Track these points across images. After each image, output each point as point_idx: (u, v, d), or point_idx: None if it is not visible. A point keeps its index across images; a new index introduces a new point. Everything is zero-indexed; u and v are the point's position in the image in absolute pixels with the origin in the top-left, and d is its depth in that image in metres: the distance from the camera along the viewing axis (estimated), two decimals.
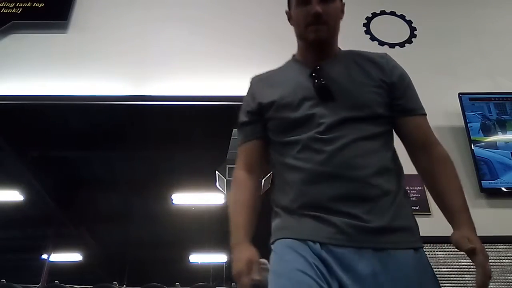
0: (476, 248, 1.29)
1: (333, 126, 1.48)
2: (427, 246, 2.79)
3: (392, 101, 1.58)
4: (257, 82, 1.75)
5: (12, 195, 8.01)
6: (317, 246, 1.36)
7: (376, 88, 1.56)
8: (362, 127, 1.49)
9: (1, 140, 5.72)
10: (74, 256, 11.60)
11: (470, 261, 1.31)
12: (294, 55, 1.76)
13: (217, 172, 5.88)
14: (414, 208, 2.82)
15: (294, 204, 1.46)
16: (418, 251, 1.40)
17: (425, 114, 1.60)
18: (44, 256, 10.53)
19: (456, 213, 1.43)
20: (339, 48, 1.72)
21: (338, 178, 1.41)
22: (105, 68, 3.56)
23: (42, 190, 7.90)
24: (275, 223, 1.54)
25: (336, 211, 1.38)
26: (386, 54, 1.70)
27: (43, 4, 3.75)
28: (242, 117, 1.71)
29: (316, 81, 1.57)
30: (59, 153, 6.96)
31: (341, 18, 1.68)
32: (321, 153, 1.44)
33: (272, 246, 1.49)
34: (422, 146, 1.55)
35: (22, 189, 7.85)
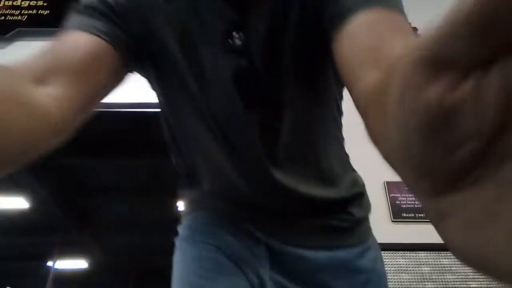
0: None
1: (284, 153, 1.02)
2: (433, 253, 2.79)
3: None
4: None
5: (17, 202, 8.03)
6: (259, 234, 1.09)
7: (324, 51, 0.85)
8: (315, 135, 1.07)
9: None
10: (79, 264, 11.61)
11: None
12: None
13: None
14: (420, 215, 2.82)
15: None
16: None
17: (395, 8, 0.72)
18: (49, 264, 10.55)
19: None
20: None
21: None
22: None
23: (48, 197, 7.93)
24: (194, 193, 1.18)
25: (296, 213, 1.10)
26: None
27: (48, 12, 3.77)
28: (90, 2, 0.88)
29: (240, 75, 0.93)
30: (65, 160, 6.97)
31: None
32: (273, 186, 1.04)
33: (182, 222, 1.18)
34: (370, 59, 0.62)
35: (28, 196, 7.87)
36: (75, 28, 0.83)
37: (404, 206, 2.89)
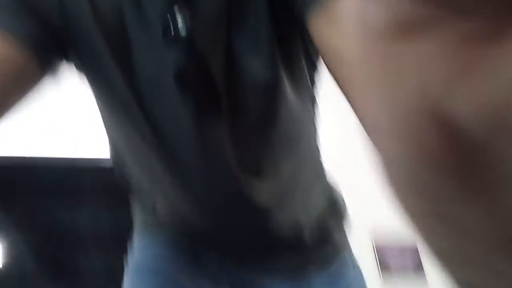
0: None
1: (260, 166, 0.81)
2: None
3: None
4: None
5: None
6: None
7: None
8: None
9: None
10: None
11: None
12: None
13: None
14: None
15: None
16: None
17: None
18: None
19: None
20: None
21: None
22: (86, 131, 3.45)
23: (24, 246, 7.71)
24: (147, 211, 0.99)
25: None
26: None
27: None
28: None
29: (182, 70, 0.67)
30: (43, 209, 6.82)
31: None
32: (243, 208, 0.87)
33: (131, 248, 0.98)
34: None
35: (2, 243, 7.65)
36: None
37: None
